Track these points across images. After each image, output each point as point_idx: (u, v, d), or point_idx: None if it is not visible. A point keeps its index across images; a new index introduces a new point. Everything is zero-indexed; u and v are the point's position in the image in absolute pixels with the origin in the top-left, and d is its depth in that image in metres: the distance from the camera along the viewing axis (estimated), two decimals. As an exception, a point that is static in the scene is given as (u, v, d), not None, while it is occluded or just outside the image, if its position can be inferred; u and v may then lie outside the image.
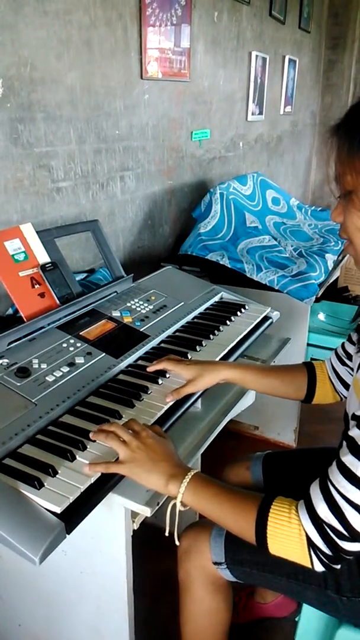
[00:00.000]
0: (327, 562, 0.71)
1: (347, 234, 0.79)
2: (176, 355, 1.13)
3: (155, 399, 1.02)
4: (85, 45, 1.61)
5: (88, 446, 0.86)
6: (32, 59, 1.42)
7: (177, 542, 0.85)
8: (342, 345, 1.07)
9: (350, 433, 0.71)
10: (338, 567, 0.73)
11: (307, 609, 1.01)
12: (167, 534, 0.85)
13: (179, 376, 1.06)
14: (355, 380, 0.84)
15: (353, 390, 0.85)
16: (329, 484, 0.70)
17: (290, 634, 1.18)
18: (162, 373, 1.10)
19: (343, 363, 1.05)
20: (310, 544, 0.71)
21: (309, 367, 1.11)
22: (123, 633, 1.00)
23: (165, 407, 1.00)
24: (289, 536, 0.72)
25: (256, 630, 1.43)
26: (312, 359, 2.18)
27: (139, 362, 1.17)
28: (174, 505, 0.81)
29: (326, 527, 0.69)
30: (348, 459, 0.69)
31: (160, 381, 1.08)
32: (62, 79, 1.54)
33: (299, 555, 0.72)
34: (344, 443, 0.71)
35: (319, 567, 0.72)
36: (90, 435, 0.87)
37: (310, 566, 0.72)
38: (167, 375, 1.09)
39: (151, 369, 1.09)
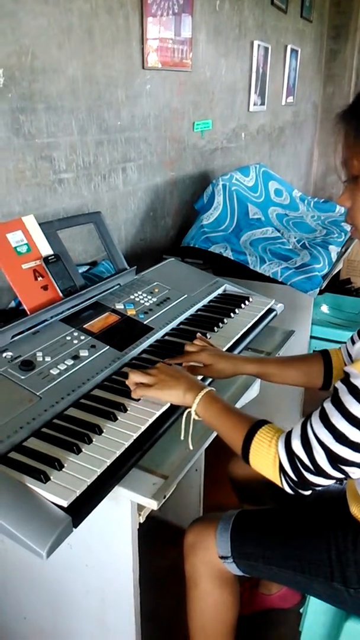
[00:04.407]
0: (294, 486, 0.81)
1: (352, 220, 0.79)
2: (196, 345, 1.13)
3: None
4: (87, 34, 1.59)
5: (94, 439, 0.86)
6: (33, 48, 1.40)
7: (190, 447, 0.93)
8: (359, 332, 1.06)
9: (336, 385, 0.77)
10: (306, 493, 0.81)
11: (313, 602, 1.01)
12: (182, 438, 0.94)
13: (199, 362, 1.09)
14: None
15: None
16: (308, 424, 0.79)
17: (295, 625, 1.19)
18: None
19: None
20: (281, 468, 0.80)
21: (325, 355, 1.12)
22: (129, 626, 1.00)
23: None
24: (266, 457, 0.82)
25: (260, 621, 1.43)
26: (314, 351, 2.18)
27: (144, 355, 1.16)
28: (189, 413, 0.93)
29: (296, 459, 0.79)
30: (328, 406, 0.77)
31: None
32: (63, 69, 1.52)
33: (271, 474, 0.82)
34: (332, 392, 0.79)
35: (287, 489, 0.82)
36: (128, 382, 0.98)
37: (281, 486, 0.82)
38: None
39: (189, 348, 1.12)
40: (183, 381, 0.94)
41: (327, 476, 0.77)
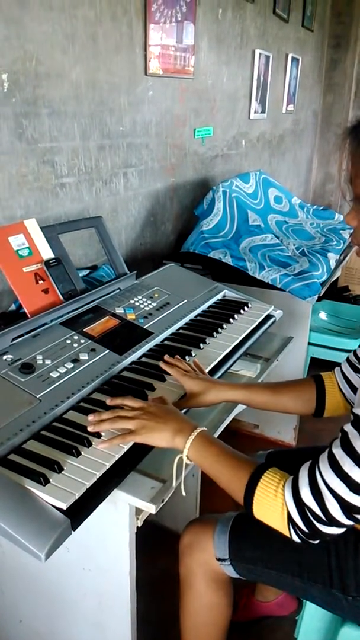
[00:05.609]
0: (304, 537, 0.75)
1: (358, 241, 0.78)
2: (184, 364, 1.10)
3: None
4: (91, 41, 1.60)
5: (93, 443, 0.86)
6: (37, 54, 1.41)
7: (183, 493, 0.86)
8: (355, 353, 1.03)
9: (345, 427, 0.72)
10: (315, 542, 0.76)
11: (310, 607, 1.02)
12: (174, 485, 0.87)
13: (183, 387, 1.05)
14: None
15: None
16: (317, 471, 0.73)
17: (290, 631, 1.19)
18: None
19: (356, 370, 1.02)
20: (290, 519, 0.74)
21: (317, 380, 1.07)
22: (125, 629, 1.00)
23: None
24: (273, 507, 0.76)
25: (256, 628, 1.43)
26: (312, 358, 2.20)
27: (143, 359, 1.17)
28: (180, 459, 0.85)
29: (306, 509, 0.73)
30: (338, 452, 0.71)
31: (165, 378, 1.07)
32: (67, 74, 1.53)
33: (278, 525, 0.76)
34: (339, 435, 0.73)
35: (296, 539, 0.76)
36: (90, 428, 0.88)
37: (289, 536, 0.76)
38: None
39: (162, 366, 1.08)
40: (171, 423, 0.87)
41: (340, 525, 0.72)
